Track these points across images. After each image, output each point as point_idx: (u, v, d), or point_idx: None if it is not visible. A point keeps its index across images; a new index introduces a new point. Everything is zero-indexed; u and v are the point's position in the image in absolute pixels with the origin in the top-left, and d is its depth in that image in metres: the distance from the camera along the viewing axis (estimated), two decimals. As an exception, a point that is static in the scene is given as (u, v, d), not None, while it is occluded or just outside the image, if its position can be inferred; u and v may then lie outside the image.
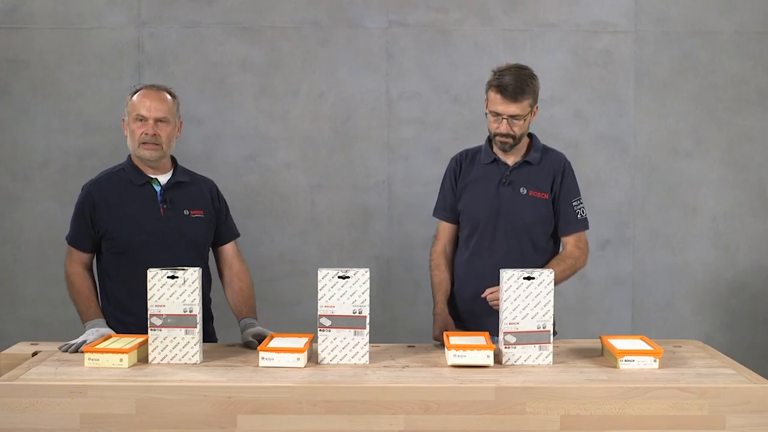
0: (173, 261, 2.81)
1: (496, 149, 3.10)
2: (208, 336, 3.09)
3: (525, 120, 2.98)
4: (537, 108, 3.03)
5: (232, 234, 3.19)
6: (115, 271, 3.01)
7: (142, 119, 2.96)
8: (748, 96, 4.38)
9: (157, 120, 2.97)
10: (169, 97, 3.02)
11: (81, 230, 3.02)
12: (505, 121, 2.97)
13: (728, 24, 4.36)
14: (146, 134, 2.96)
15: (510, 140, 3.01)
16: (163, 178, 3.03)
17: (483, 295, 2.93)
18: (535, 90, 2.99)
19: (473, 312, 3.08)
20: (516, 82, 2.94)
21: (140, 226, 2.97)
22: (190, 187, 3.08)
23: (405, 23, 4.33)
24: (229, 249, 3.16)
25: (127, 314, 2.97)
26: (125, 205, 2.99)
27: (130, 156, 3.06)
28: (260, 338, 2.86)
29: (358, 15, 4.32)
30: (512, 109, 2.95)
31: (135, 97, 2.99)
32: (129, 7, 4.28)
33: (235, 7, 4.30)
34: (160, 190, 3.02)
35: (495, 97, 2.97)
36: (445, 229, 3.20)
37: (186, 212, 3.03)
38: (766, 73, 4.38)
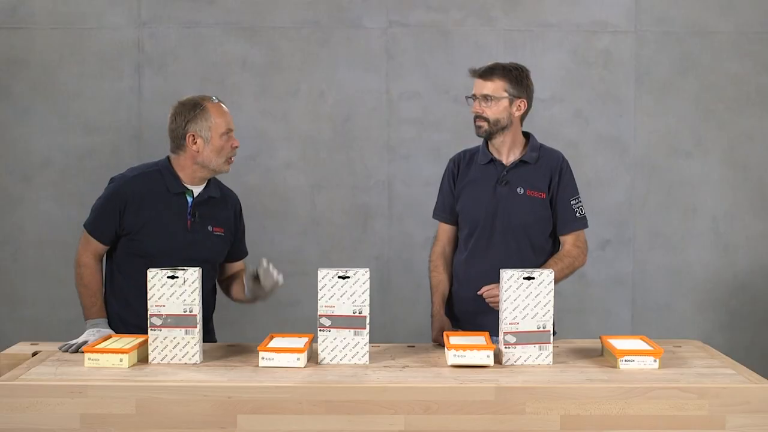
0: None
1: (492, 148, 3.10)
2: (210, 339, 3.09)
3: (497, 104, 3.00)
4: (524, 104, 3.04)
5: (242, 254, 3.21)
6: (128, 270, 2.99)
7: (230, 133, 2.98)
8: (748, 96, 4.38)
9: None
10: None
11: (106, 222, 2.98)
12: (477, 101, 3.03)
13: (728, 24, 4.36)
14: (235, 147, 3.00)
15: (483, 123, 3.03)
16: (196, 190, 3.02)
17: (479, 293, 2.93)
18: (517, 81, 3.02)
19: (470, 312, 3.08)
20: (493, 65, 3.05)
21: (166, 235, 2.96)
22: (219, 203, 3.08)
23: (405, 23, 4.33)
24: (236, 267, 3.19)
25: (132, 315, 2.96)
26: (156, 210, 2.97)
27: (168, 158, 3.03)
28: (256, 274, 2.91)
29: (358, 15, 4.32)
30: (482, 88, 3.03)
31: (213, 113, 2.95)
32: (129, 7, 4.28)
33: (235, 7, 4.30)
34: (191, 202, 3.02)
35: (472, 80, 3.06)
36: (445, 230, 3.20)
37: (210, 228, 3.03)
38: (766, 73, 4.38)
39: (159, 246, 2.96)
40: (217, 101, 3.01)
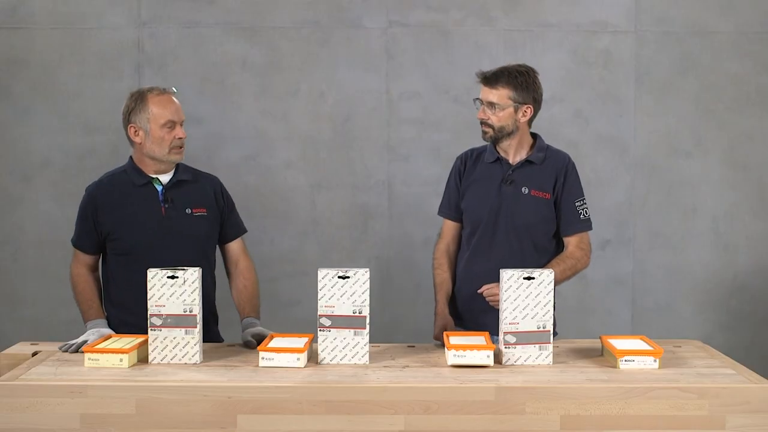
0: (176, 261, 2.80)
1: (499, 148, 3.11)
2: (214, 337, 3.09)
3: (502, 111, 2.99)
4: (530, 110, 3.03)
5: (238, 230, 3.17)
6: (118, 272, 3.01)
7: (172, 125, 2.97)
8: (748, 96, 4.38)
9: (182, 123, 3.00)
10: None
11: (85, 232, 3.02)
12: (482, 106, 3.03)
13: (728, 24, 4.36)
14: (180, 138, 2.98)
15: (489, 130, 3.04)
16: (165, 178, 3.03)
17: (480, 291, 2.93)
18: (523, 86, 3.00)
19: (472, 310, 3.08)
20: (498, 71, 3.02)
21: (142, 227, 2.97)
22: (193, 185, 3.07)
23: (405, 23, 4.33)
24: (234, 246, 3.15)
25: (130, 315, 2.96)
26: (127, 206, 2.98)
27: (131, 157, 3.06)
28: (260, 338, 2.86)
29: (358, 15, 4.32)
30: (488, 94, 3.02)
31: (152, 104, 2.94)
32: (129, 7, 4.28)
33: (235, 7, 4.30)
34: (162, 189, 3.02)
35: (479, 84, 3.05)
36: (450, 227, 3.20)
37: (188, 210, 3.02)
38: (766, 73, 4.38)
39: (136, 239, 2.96)
40: (162, 92, 2.99)
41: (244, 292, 3.09)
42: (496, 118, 3.01)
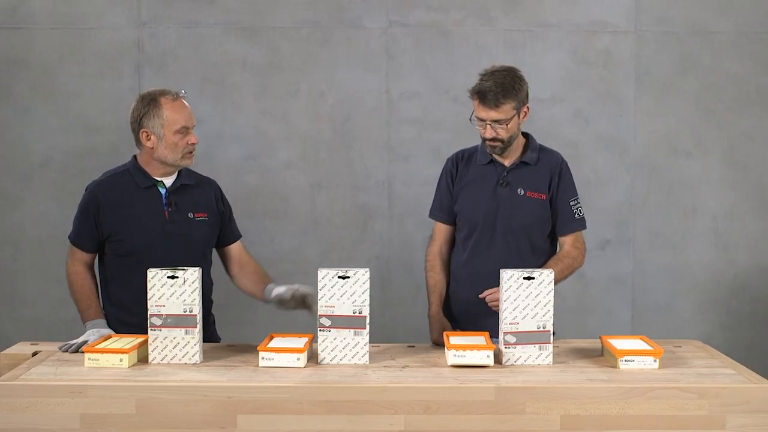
0: (177, 263, 2.78)
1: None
2: (211, 337, 3.09)
3: (510, 123, 2.97)
4: (528, 109, 3.02)
5: (236, 235, 3.19)
6: (118, 272, 3.00)
7: (186, 131, 2.95)
8: (748, 96, 4.38)
9: (193, 127, 3.00)
10: None
11: (85, 230, 3.01)
12: (489, 126, 2.97)
13: (728, 24, 4.36)
14: (192, 144, 2.97)
15: (498, 144, 3.00)
16: (168, 181, 3.02)
17: (482, 296, 2.92)
18: (519, 92, 2.96)
19: (470, 313, 3.07)
20: (495, 88, 2.93)
21: (145, 229, 2.96)
22: (195, 189, 3.07)
23: (405, 23, 4.33)
24: (236, 247, 3.16)
25: (130, 316, 2.96)
26: (130, 208, 2.97)
27: (135, 157, 3.04)
28: (296, 294, 2.91)
29: (358, 15, 4.32)
30: (493, 114, 2.95)
31: (166, 109, 2.92)
32: (129, 7, 4.28)
33: (235, 7, 4.30)
34: (165, 193, 3.01)
35: (476, 104, 2.97)
36: (442, 230, 3.19)
37: (191, 215, 3.02)
38: (766, 73, 4.38)
39: (139, 241, 2.95)
40: (175, 97, 2.96)
41: (255, 273, 3.11)
42: (505, 132, 2.97)
